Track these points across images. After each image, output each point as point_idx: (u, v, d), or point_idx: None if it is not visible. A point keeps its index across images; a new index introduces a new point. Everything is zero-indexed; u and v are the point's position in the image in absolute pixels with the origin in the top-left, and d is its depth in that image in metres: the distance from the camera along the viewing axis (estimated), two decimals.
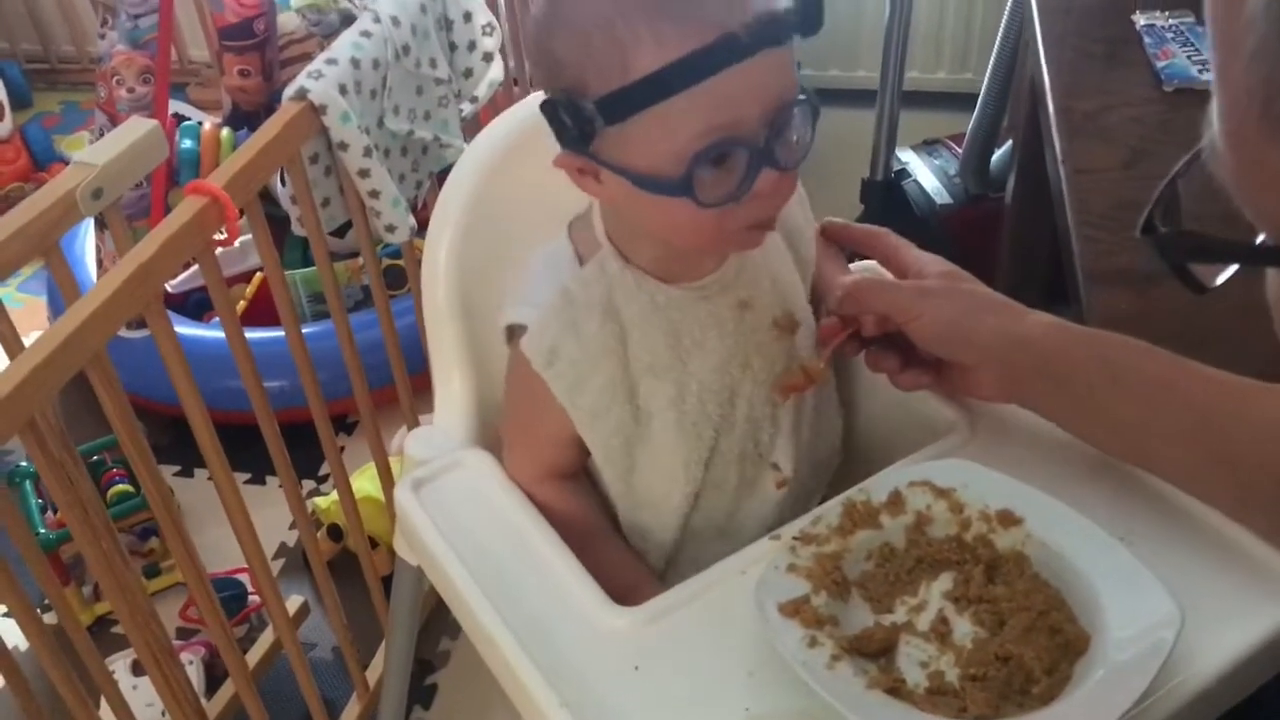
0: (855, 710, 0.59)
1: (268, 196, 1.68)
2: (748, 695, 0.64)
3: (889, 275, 0.82)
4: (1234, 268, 0.53)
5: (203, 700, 1.32)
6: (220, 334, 1.07)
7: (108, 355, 0.91)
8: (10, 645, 0.92)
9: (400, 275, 1.74)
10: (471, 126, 1.40)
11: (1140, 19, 1.25)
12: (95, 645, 1.00)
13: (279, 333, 1.15)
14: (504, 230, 0.90)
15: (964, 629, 0.67)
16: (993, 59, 1.83)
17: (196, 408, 1.02)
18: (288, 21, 1.95)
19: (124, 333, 1.57)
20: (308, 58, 1.28)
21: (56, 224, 0.94)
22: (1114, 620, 0.63)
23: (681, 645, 0.67)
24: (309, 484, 1.76)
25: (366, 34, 1.23)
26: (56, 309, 1.91)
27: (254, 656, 1.35)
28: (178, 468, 1.76)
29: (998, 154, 1.93)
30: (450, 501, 0.78)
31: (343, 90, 1.15)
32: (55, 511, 1.54)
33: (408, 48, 1.28)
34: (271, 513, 1.46)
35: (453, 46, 1.40)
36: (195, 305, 1.87)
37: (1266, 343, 0.80)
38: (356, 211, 1.22)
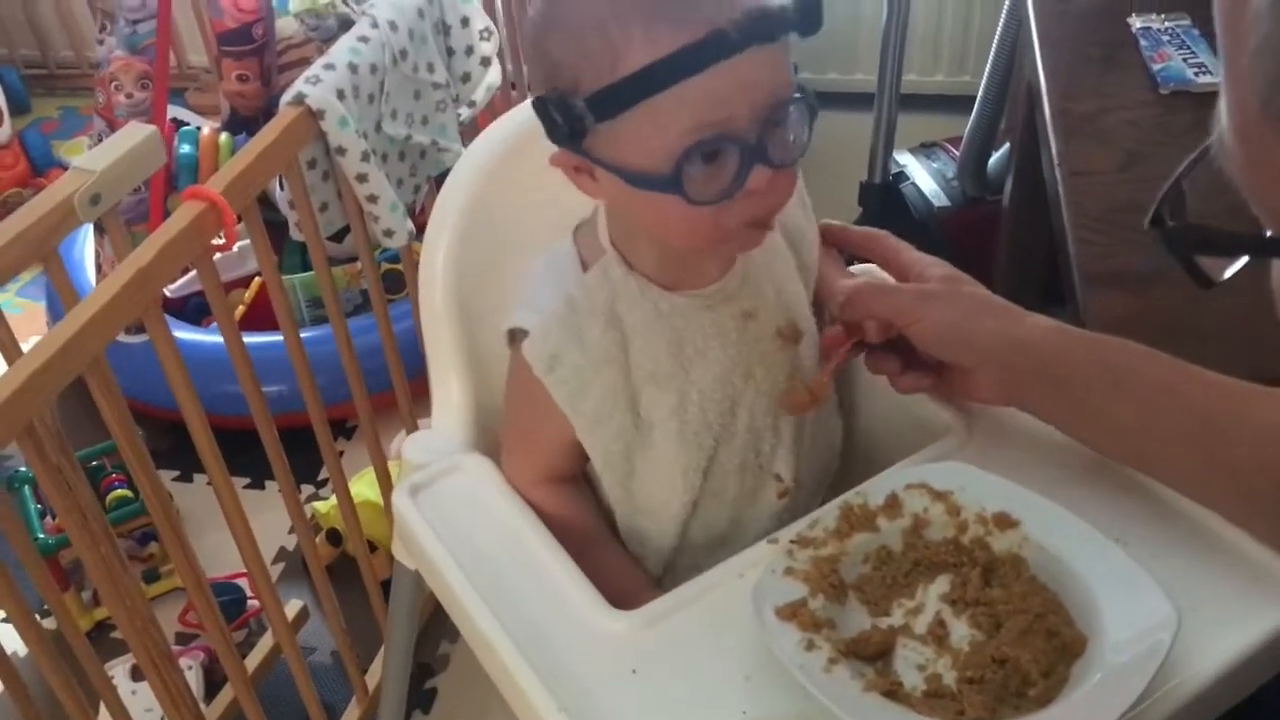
0: (852, 713, 0.59)
1: (267, 201, 1.68)
2: (745, 698, 0.64)
3: (888, 278, 0.83)
4: (1240, 262, 0.53)
5: (202, 705, 1.32)
6: (219, 339, 1.07)
7: (106, 360, 0.92)
8: (9, 651, 0.92)
9: (399, 280, 1.74)
10: (470, 131, 1.41)
11: (1136, 22, 1.25)
12: (94, 650, 1.00)
13: (278, 337, 1.15)
14: (501, 234, 0.90)
15: (961, 631, 0.67)
16: (990, 62, 1.83)
17: (195, 413, 1.02)
18: (286, 26, 1.95)
19: (123, 337, 1.57)
20: (306, 63, 1.28)
21: (55, 229, 0.94)
22: (1111, 622, 0.63)
23: (679, 649, 0.67)
24: (308, 488, 1.77)
25: (364, 39, 1.23)
26: (55, 314, 1.91)
27: (253, 661, 1.35)
28: (177, 472, 1.76)
29: (995, 156, 1.93)
30: (448, 506, 0.79)
31: (340, 95, 1.15)
32: (54, 517, 1.54)
33: (405, 52, 1.28)
34: (271, 517, 1.46)
35: (450, 51, 1.40)
36: (194, 310, 1.87)
37: (1261, 346, 0.81)
38: (354, 216, 1.23)
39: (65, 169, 0.98)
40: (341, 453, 1.78)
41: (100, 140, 1.48)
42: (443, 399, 0.89)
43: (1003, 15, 1.80)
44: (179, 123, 2.01)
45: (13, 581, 0.86)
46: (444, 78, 1.36)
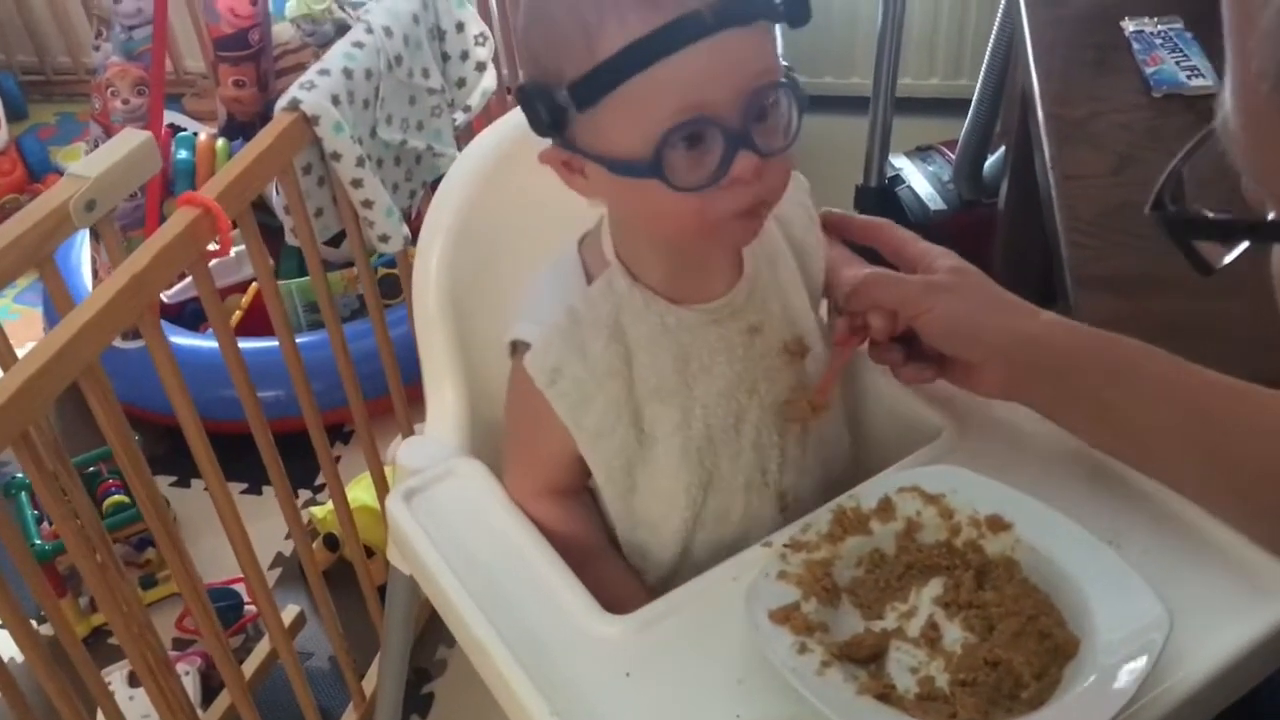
0: (845, 716, 0.60)
1: (264, 206, 1.68)
2: (738, 702, 0.64)
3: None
4: (1240, 249, 0.53)
5: (199, 711, 1.32)
6: (215, 344, 1.08)
7: (101, 367, 0.92)
8: (6, 658, 0.92)
9: (395, 284, 1.74)
10: (465, 136, 1.41)
11: (1129, 25, 1.26)
12: (91, 657, 1.00)
13: (274, 343, 1.15)
14: (496, 238, 0.91)
15: (954, 634, 0.67)
16: (985, 65, 1.83)
17: (191, 418, 1.03)
18: (283, 32, 1.95)
19: (119, 343, 1.58)
20: (303, 68, 1.28)
21: (50, 236, 0.95)
22: (1103, 624, 0.64)
23: (673, 652, 0.67)
24: (305, 493, 1.77)
25: (359, 44, 1.23)
26: (52, 320, 1.91)
27: (250, 666, 1.35)
28: (174, 478, 1.76)
29: (991, 160, 1.93)
30: (442, 511, 0.79)
31: (335, 101, 1.16)
32: (51, 523, 1.54)
33: (400, 58, 1.29)
34: (268, 523, 1.46)
35: (445, 56, 1.40)
36: (191, 315, 1.87)
37: (1256, 347, 0.81)
38: (350, 221, 1.23)
39: (62, 175, 0.98)
40: (338, 458, 1.78)
41: (97, 146, 1.49)
42: (437, 404, 0.90)
43: (997, 19, 1.80)
44: (176, 128, 2.01)
45: (9, 588, 0.86)
46: (439, 83, 1.37)
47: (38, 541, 1.51)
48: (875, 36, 1.92)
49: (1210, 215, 0.50)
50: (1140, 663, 0.60)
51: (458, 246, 0.89)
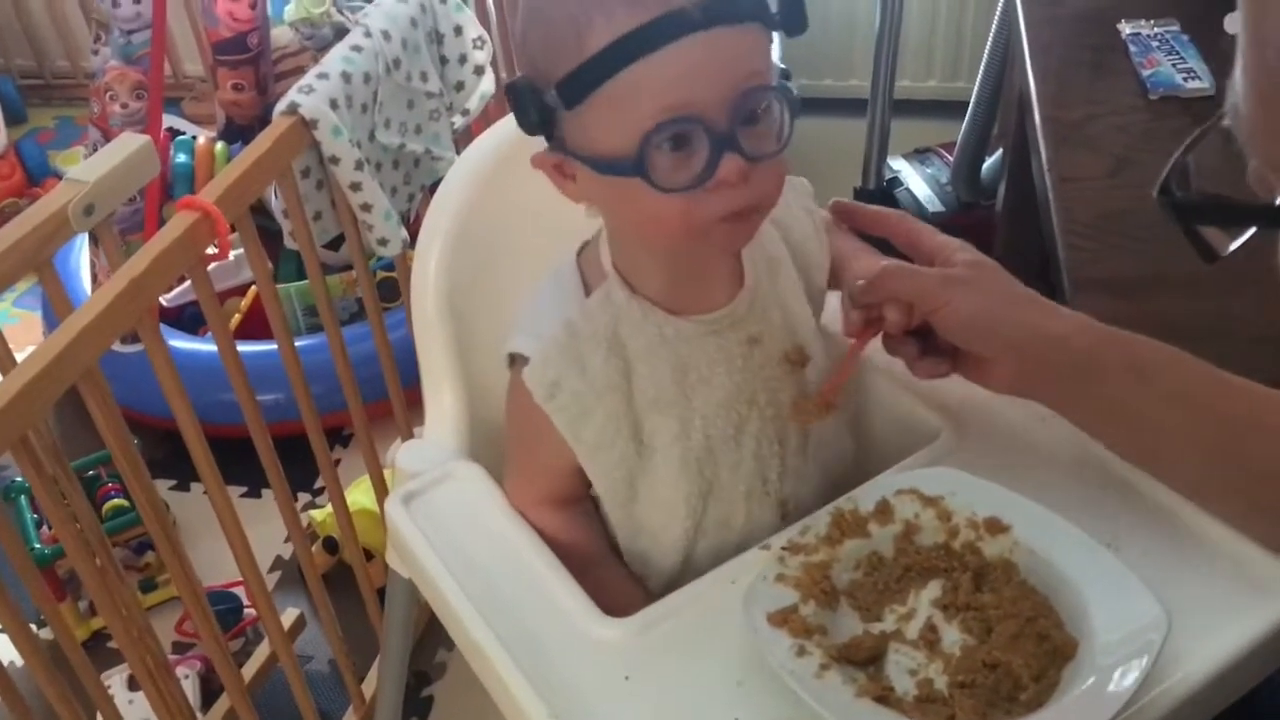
0: (844, 718, 0.60)
1: (263, 210, 1.69)
2: (737, 705, 0.64)
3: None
4: (1247, 235, 0.53)
5: (199, 715, 1.32)
6: (214, 348, 1.08)
7: (100, 370, 0.92)
8: (6, 661, 0.92)
9: (394, 288, 1.74)
10: (463, 139, 1.41)
11: (1126, 28, 1.26)
12: (91, 660, 1.00)
13: (273, 346, 1.15)
14: (494, 242, 0.91)
15: (952, 636, 0.67)
16: (982, 68, 1.84)
17: (190, 422, 1.03)
18: (281, 36, 1.95)
19: (118, 347, 1.58)
20: (301, 72, 1.29)
21: (49, 240, 0.95)
22: (1101, 625, 0.64)
23: (671, 655, 0.67)
24: (304, 497, 1.77)
25: (357, 48, 1.24)
26: (51, 324, 1.91)
27: (250, 670, 1.35)
28: (173, 482, 1.76)
29: (989, 162, 1.94)
30: (441, 514, 0.79)
31: (334, 104, 1.16)
32: (50, 527, 1.54)
33: (399, 61, 1.29)
34: (267, 526, 1.46)
35: (444, 60, 1.41)
36: (190, 319, 1.87)
37: (1255, 349, 0.81)
38: (349, 225, 1.23)
39: (61, 179, 0.98)
40: (338, 461, 1.78)
41: (96, 150, 1.49)
42: (436, 407, 0.90)
43: (995, 21, 1.81)
44: (175, 132, 2.02)
45: (9, 592, 0.86)
46: (437, 86, 1.37)
47: (37, 545, 1.51)
48: (873, 39, 1.93)
49: (1218, 200, 0.50)
50: (1139, 664, 0.60)
51: (456, 250, 0.89)
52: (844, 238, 0.82)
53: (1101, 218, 1.00)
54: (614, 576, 0.79)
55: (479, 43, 1.42)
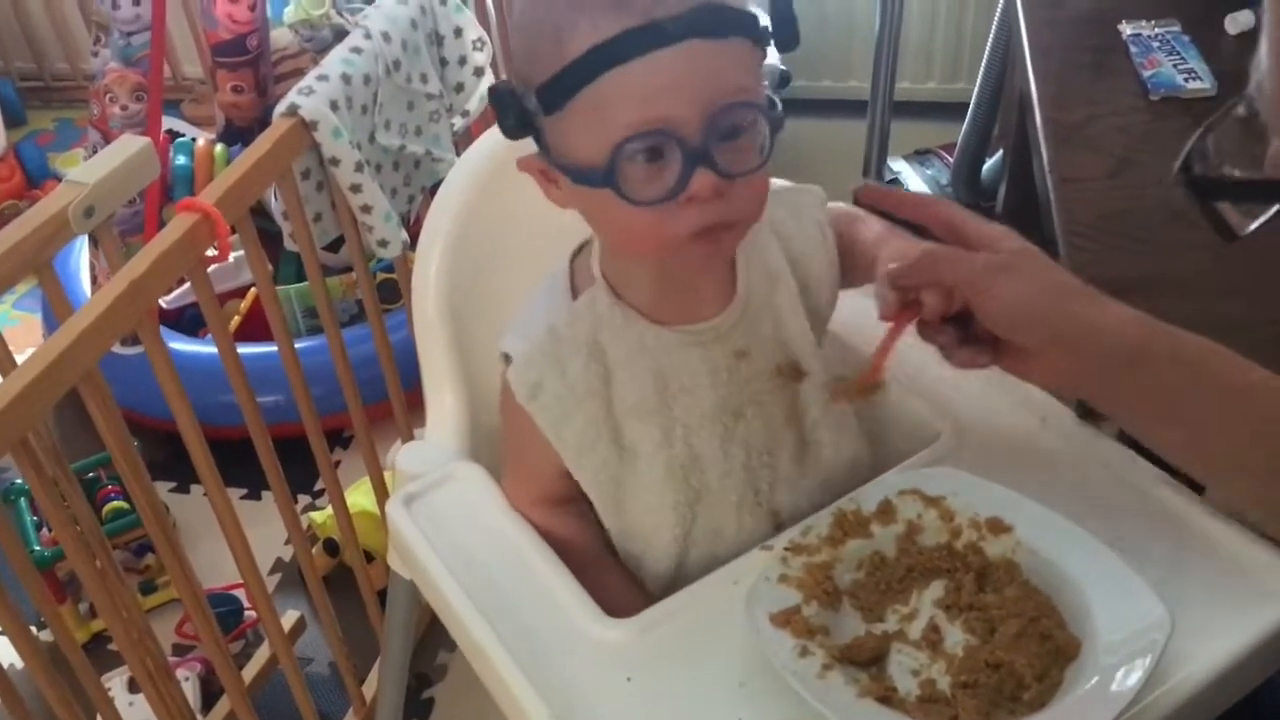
0: (847, 719, 0.60)
1: (263, 212, 1.69)
2: (740, 706, 0.64)
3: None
4: (1269, 213, 0.52)
5: (199, 717, 1.32)
6: (214, 349, 1.08)
7: (100, 372, 0.92)
8: (6, 664, 0.92)
9: (394, 289, 1.74)
10: (463, 141, 1.41)
11: (1126, 28, 1.26)
12: (91, 663, 1.00)
13: (273, 348, 1.15)
14: (495, 243, 0.91)
15: (955, 637, 0.67)
16: (982, 69, 1.84)
17: (190, 424, 1.03)
18: (281, 37, 1.95)
19: (118, 349, 1.57)
20: (301, 74, 1.29)
21: (49, 242, 0.95)
22: (1104, 625, 0.64)
23: (674, 656, 0.67)
24: (304, 499, 1.76)
25: (357, 50, 1.24)
26: (51, 326, 1.91)
27: (250, 672, 1.35)
28: (173, 484, 1.76)
29: (989, 163, 1.94)
30: (442, 515, 0.79)
31: (334, 106, 1.16)
32: (50, 529, 1.54)
33: (398, 63, 1.29)
34: (267, 528, 1.46)
35: (443, 61, 1.41)
36: (190, 321, 1.87)
37: (1255, 353, 0.81)
38: (349, 226, 1.23)
39: (60, 181, 0.98)
40: (338, 463, 1.78)
41: (95, 152, 1.49)
42: (437, 408, 0.90)
43: (995, 22, 1.81)
44: (174, 134, 2.02)
45: (9, 595, 0.86)
46: (437, 88, 1.37)
47: (37, 548, 1.51)
48: (873, 40, 1.93)
49: (1240, 178, 0.49)
50: (1142, 663, 0.60)
51: (457, 251, 0.89)
52: (872, 221, 0.80)
53: (1102, 218, 1.00)
54: (610, 575, 0.79)
55: (479, 44, 1.42)
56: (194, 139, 1.96)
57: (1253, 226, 0.52)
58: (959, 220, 0.73)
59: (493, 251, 0.91)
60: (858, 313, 0.81)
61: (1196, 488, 0.76)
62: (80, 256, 1.92)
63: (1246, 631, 0.66)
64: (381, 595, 1.22)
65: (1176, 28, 1.25)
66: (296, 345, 1.17)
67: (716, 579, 0.72)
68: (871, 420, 0.86)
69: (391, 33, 1.28)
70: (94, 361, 0.89)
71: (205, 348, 1.71)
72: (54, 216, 0.94)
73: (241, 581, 1.17)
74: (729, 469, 0.76)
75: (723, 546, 0.78)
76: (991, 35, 1.81)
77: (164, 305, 1.84)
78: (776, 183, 0.89)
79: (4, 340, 0.99)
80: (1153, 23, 1.26)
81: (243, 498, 1.71)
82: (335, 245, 1.31)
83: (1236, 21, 1.24)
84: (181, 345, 1.71)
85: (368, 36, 1.25)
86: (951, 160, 2.00)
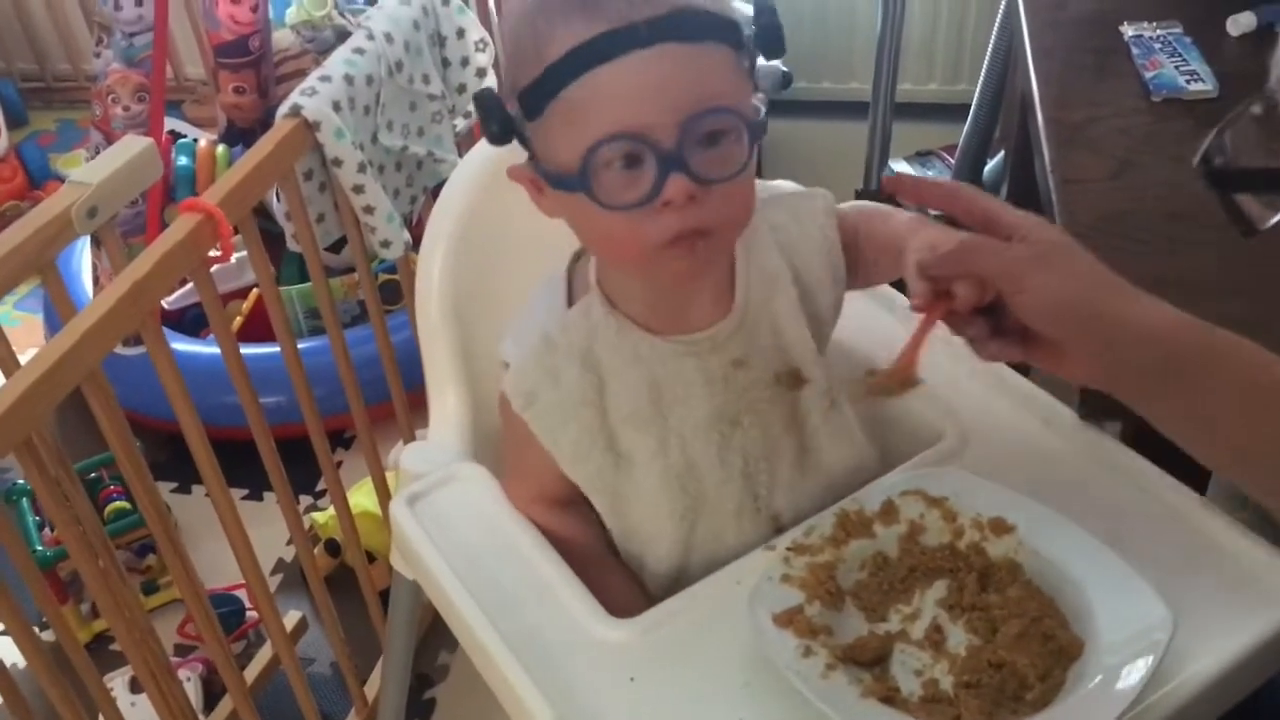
0: (849, 719, 0.60)
1: (265, 212, 1.69)
2: (743, 706, 0.64)
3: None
4: None
5: (201, 717, 1.32)
6: (217, 350, 1.08)
7: (103, 373, 0.92)
8: (9, 664, 0.92)
9: (396, 290, 1.74)
10: (466, 141, 1.41)
11: (1128, 30, 1.26)
12: (93, 663, 1.00)
13: (275, 349, 1.15)
14: (498, 244, 0.91)
15: (958, 637, 0.67)
16: (984, 70, 1.84)
17: (193, 424, 1.03)
18: (283, 38, 1.95)
19: (121, 350, 1.57)
20: (303, 75, 1.29)
21: (51, 242, 0.95)
22: (1106, 625, 0.64)
23: (677, 656, 0.68)
24: (306, 499, 1.77)
25: (360, 51, 1.24)
26: (53, 327, 1.91)
27: (252, 672, 1.35)
28: (175, 484, 1.76)
29: (990, 165, 1.94)
30: (445, 516, 0.79)
31: (336, 107, 1.16)
32: (53, 529, 1.54)
33: (401, 64, 1.29)
34: (269, 528, 1.46)
35: (446, 62, 1.41)
36: (193, 321, 1.87)
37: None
38: (351, 227, 1.23)
39: (62, 182, 0.98)
40: (340, 463, 1.78)
41: (97, 153, 1.49)
42: (440, 409, 0.90)
43: (996, 24, 1.81)
44: (176, 135, 2.02)
45: (11, 594, 0.86)
46: (439, 89, 1.37)
47: (40, 548, 1.51)
48: (874, 42, 1.93)
49: (1264, 169, 0.49)
50: (1144, 663, 0.60)
51: (460, 252, 0.90)
52: (900, 214, 0.78)
53: (1104, 219, 1.00)
54: (611, 575, 0.79)
55: (481, 45, 1.42)
56: (196, 140, 1.96)
57: (1275, 219, 0.51)
58: (992, 209, 0.70)
59: (495, 252, 0.91)
60: (862, 316, 0.81)
61: (1198, 488, 0.76)
62: (83, 257, 1.92)
63: (1249, 631, 0.66)
64: (383, 595, 1.22)
65: (1178, 29, 1.25)
66: (299, 346, 1.17)
67: (719, 579, 0.72)
68: (873, 421, 0.86)
69: (394, 34, 1.28)
70: (97, 362, 0.90)
71: (208, 348, 1.71)
72: (57, 217, 0.94)
73: (243, 582, 1.17)
74: (726, 477, 0.76)
75: (723, 551, 0.77)
76: (993, 37, 1.81)
77: (166, 306, 1.84)
78: (784, 186, 0.90)
79: (7, 341, 0.99)
80: (1154, 24, 1.26)
81: (245, 498, 1.71)
82: (337, 246, 1.31)
83: (1238, 23, 1.24)
84: (184, 346, 1.72)
85: (370, 37, 1.26)
86: (953, 161, 2.00)
